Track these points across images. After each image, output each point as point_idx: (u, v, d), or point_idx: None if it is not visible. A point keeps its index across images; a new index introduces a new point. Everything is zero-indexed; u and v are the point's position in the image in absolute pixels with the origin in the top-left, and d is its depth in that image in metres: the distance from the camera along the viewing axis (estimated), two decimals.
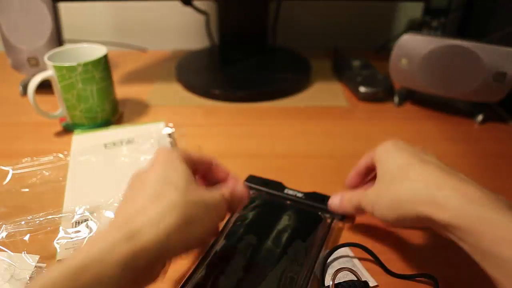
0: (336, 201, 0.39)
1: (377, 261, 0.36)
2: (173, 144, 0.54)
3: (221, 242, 0.36)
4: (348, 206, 0.38)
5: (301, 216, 0.39)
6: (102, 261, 0.22)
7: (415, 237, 0.40)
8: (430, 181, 0.30)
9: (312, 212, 0.41)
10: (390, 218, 0.32)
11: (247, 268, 0.34)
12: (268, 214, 0.40)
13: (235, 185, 0.33)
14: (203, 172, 0.34)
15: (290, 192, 0.43)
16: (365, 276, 0.35)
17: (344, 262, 0.37)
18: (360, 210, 0.36)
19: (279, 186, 0.45)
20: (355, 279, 0.33)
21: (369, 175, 0.40)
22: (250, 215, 0.39)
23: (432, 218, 0.29)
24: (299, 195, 0.43)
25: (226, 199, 0.30)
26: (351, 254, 0.38)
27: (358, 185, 0.41)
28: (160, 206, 0.25)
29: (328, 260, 0.36)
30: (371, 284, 0.34)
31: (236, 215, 0.40)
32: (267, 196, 0.43)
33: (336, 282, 0.33)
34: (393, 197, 0.32)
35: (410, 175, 0.32)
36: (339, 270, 0.33)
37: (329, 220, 0.40)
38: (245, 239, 0.36)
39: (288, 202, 0.42)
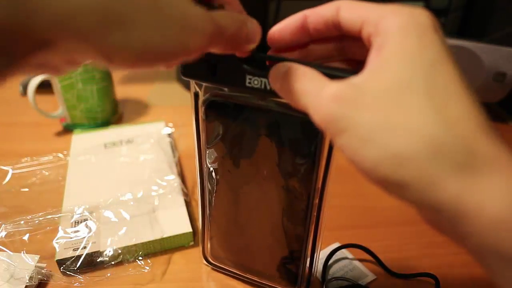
0: (280, 72, 0.22)
1: (377, 261, 0.36)
2: (173, 144, 0.54)
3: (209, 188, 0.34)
4: (290, 88, 0.21)
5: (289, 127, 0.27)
6: None
7: (415, 236, 0.40)
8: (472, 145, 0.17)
9: (300, 118, 0.25)
10: (362, 160, 0.17)
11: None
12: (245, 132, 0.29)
13: (246, 20, 0.22)
14: None
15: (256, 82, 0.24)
16: (366, 273, 0.35)
17: (344, 263, 0.37)
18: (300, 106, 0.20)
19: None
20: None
21: (330, 40, 0.25)
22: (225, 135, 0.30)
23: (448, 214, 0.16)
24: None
25: (215, 25, 0.19)
26: (350, 255, 0.38)
27: (295, 43, 0.25)
28: None
29: (329, 263, 0.36)
30: (370, 279, 0.34)
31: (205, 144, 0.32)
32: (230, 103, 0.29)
33: None
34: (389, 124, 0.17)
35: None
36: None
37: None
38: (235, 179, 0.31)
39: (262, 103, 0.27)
